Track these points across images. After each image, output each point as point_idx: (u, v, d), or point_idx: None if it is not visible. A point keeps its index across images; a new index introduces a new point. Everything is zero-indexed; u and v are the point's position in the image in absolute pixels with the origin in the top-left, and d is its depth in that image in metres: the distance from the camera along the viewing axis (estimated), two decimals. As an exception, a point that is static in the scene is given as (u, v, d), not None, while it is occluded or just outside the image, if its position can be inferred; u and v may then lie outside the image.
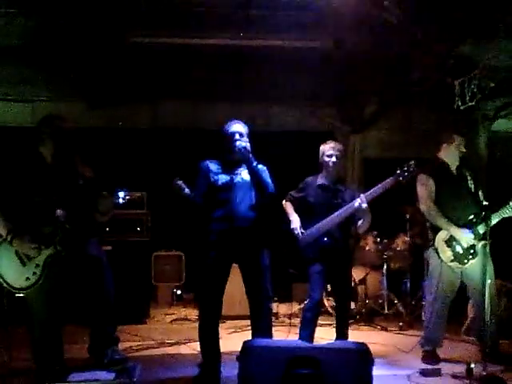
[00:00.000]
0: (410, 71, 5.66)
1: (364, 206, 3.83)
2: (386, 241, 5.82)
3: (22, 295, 3.35)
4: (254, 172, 3.64)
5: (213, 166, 3.75)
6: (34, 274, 3.33)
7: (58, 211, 3.39)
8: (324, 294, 5.26)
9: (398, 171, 3.84)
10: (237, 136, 3.66)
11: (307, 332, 3.91)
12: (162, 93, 6.38)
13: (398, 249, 5.84)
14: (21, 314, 3.40)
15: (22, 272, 3.33)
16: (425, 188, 4.17)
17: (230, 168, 3.73)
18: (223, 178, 3.68)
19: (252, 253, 3.68)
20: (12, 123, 6.12)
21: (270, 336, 3.69)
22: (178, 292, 6.34)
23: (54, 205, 3.40)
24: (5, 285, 3.33)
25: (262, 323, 3.68)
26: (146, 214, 5.61)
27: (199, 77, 6.16)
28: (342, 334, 4.06)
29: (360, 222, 4.00)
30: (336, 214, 3.93)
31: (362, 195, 3.86)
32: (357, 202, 3.85)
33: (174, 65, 5.99)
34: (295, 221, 4.00)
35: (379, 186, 3.87)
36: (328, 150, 4.07)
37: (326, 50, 5.66)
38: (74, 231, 3.43)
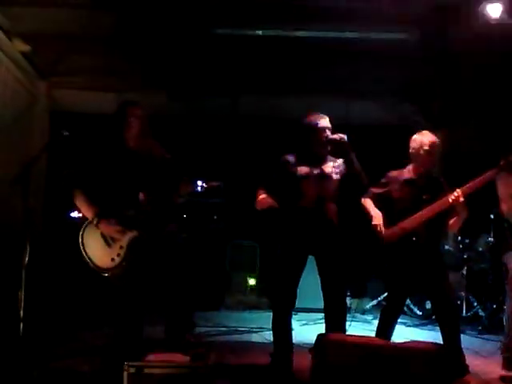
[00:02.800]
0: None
1: (461, 200, 3.57)
2: (467, 241, 5.59)
3: (107, 275, 3.47)
4: (351, 163, 3.61)
5: (292, 159, 3.74)
6: (119, 255, 3.43)
7: (141, 195, 3.49)
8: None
9: (502, 161, 3.56)
10: (327, 131, 3.64)
11: (385, 330, 3.80)
12: (243, 85, 6.43)
13: (480, 249, 5.60)
14: (105, 294, 3.54)
15: (108, 253, 3.44)
16: (506, 187, 3.88)
17: (310, 160, 3.71)
18: (303, 170, 3.67)
19: (329, 246, 3.65)
20: (96, 111, 6.36)
21: (343, 331, 3.65)
22: (252, 281, 6.41)
23: (136, 189, 3.50)
24: (91, 265, 3.46)
25: (335, 317, 3.64)
26: (223, 203, 5.69)
27: (279, 70, 6.15)
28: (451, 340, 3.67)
29: (453, 220, 3.73)
30: (426, 210, 3.67)
31: (458, 189, 3.59)
32: (452, 197, 3.59)
33: (255, 57, 6.01)
34: (377, 217, 3.76)
35: (479, 178, 3.59)
36: (427, 144, 3.75)
37: (408, 43, 5.48)
38: (155, 215, 3.52)
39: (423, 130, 3.97)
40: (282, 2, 5.05)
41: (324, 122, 3.69)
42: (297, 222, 3.62)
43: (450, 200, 3.59)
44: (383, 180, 3.93)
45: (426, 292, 4.10)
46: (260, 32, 5.59)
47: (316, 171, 3.68)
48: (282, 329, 3.70)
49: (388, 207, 3.83)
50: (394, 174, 3.92)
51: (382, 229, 3.73)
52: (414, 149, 3.82)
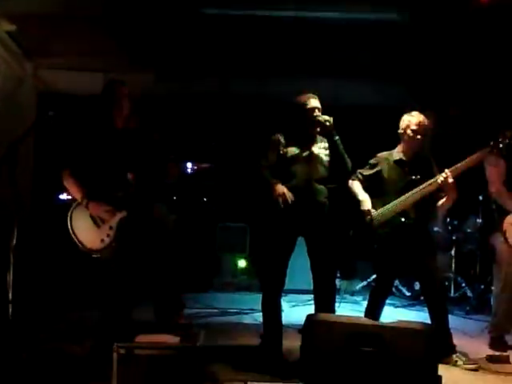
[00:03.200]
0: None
1: (450, 181, 3.56)
2: (455, 222, 5.63)
3: (97, 256, 3.45)
4: (336, 146, 3.59)
5: (282, 139, 3.71)
6: (108, 235, 3.41)
7: (129, 175, 3.47)
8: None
9: (492, 142, 3.54)
10: (316, 111, 3.61)
11: (373, 311, 3.83)
12: (232, 66, 6.37)
13: (469, 231, 5.64)
14: (94, 276, 3.53)
15: (97, 234, 3.42)
16: (495, 169, 3.92)
17: (300, 141, 3.69)
18: (293, 151, 3.66)
19: (319, 227, 3.65)
20: (84, 92, 6.29)
21: (333, 312, 3.67)
22: (241, 263, 6.42)
23: (125, 169, 3.49)
24: (81, 247, 3.44)
25: (325, 298, 3.66)
26: (212, 185, 5.68)
27: (268, 50, 6.09)
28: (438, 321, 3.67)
29: (442, 201, 3.73)
30: (415, 190, 3.66)
31: (446, 170, 3.59)
32: (441, 178, 3.58)
33: (244, 38, 5.94)
34: (366, 201, 3.76)
35: (468, 159, 3.58)
36: (414, 123, 3.75)
37: (400, 24, 5.43)
38: (143, 195, 3.50)
39: (413, 111, 3.95)
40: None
41: (314, 101, 3.66)
42: (286, 203, 3.61)
43: (439, 181, 3.58)
44: (372, 161, 3.92)
45: (415, 272, 4.13)
46: (249, 12, 5.51)
47: (305, 152, 3.66)
48: (272, 310, 3.71)
49: (377, 187, 3.82)
50: (383, 154, 3.91)
51: (371, 212, 3.72)
52: (402, 129, 3.82)
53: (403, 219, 3.70)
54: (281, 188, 3.52)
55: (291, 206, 3.56)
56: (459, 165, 3.61)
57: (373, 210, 3.74)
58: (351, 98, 6.68)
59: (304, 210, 3.60)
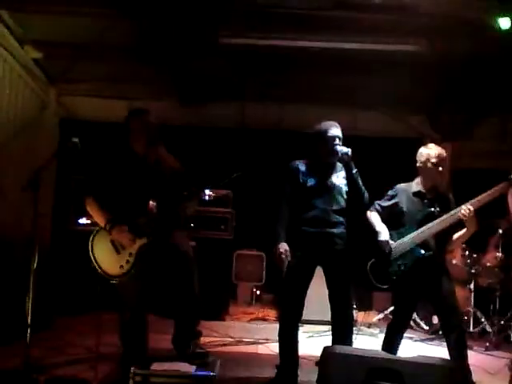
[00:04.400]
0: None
1: (471, 214, 3.50)
2: (475, 255, 5.55)
3: (115, 282, 3.47)
4: (353, 179, 3.60)
5: (302, 167, 3.71)
6: (128, 262, 3.44)
7: (151, 203, 3.50)
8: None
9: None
10: (337, 140, 3.61)
11: (391, 344, 3.76)
12: (250, 94, 6.46)
13: (488, 264, 5.55)
14: (112, 301, 3.53)
15: (117, 260, 3.45)
16: None
17: (320, 170, 3.70)
18: (313, 180, 3.66)
19: (337, 257, 3.64)
20: (108, 119, 6.39)
21: (350, 344, 3.63)
22: (258, 292, 6.39)
23: (147, 197, 3.51)
24: (100, 271, 3.47)
25: (342, 330, 3.63)
26: (230, 212, 5.69)
27: (287, 79, 6.17)
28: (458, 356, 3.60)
29: (461, 233, 3.69)
30: (435, 222, 3.62)
31: (467, 203, 3.54)
32: (462, 211, 3.52)
33: (263, 66, 6.03)
34: (384, 232, 3.72)
35: (489, 192, 3.54)
36: (435, 157, 3.72)
37: (418, 55, 5.48)
38: (164, 222, 3.53)
39: (429, 143, 3.96)
40: (290, 12, 5.05)
41: (335, 130, 3.65)
42: (305, 233, 3.60)
43: (461, 214, 3.55)
44: (391, 192, 3.90)
45: (433, 306, 4.07)
46: (269, 41, 5.60)
47: (325, 182, 3.66)
48: (289, 341, 3.68)
49: (395, 219, 3.80)
50: (402, 186, 3.89)
51: (389, 243, 3.69)
52: (421, 162, 3.79)
53: (423, 251, 3.66)
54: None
55: (311, 236, 3.56)
56: (480, 197, 3.57)
57: (391, 241, 3.71)
58: (369, 128, 6.71)
59: (322, 240, 3.60)
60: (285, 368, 3.64)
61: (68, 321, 5.01)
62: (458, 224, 3.65)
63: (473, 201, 3.57)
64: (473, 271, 5.52)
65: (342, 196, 3.69)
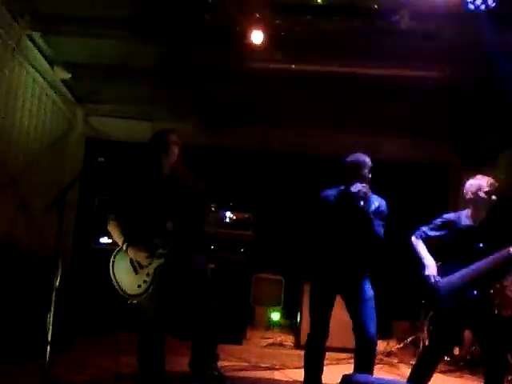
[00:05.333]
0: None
1: None
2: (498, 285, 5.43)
3: (133, 302, 3.47)
4: (363, 215, 3.54)
5: (330, 196, 3.66)
6: (145, 282, 3.44)
7: (169, 223, 3.51)
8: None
9: None
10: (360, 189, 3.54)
11: (418, 375, 3.66)
12: (272, 118, 6.49)
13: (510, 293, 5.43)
14: (131, 321, 3.53)
15: (135, 279, 3.47)
16: None
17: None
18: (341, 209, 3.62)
19: (358, 286, 3.62)
20: (132, 140, 6.48)
21: (371, 372, 3.57)
22: (276, 316, 6.33)
23: (165, 217, 3.52)
24: (120, 291, 3.49)
25: (364, 359, 3.58)
26: (251, 235, 5.68)
27: (312, 104, 6.19)
28: None
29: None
30: (485, 261, 3.45)
31: None
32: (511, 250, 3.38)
33: (286, 90, 6.07)
34: (431, 266, 3.59)
35: None
36: (489, 186, 3.61)
37: (443, 81, 5.47)
38: (182, 243, 3.53)
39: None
40: (317, 37, 5.09)
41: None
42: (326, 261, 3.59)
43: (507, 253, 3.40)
44: (439, 222, 3.75)
45: (477, 339, 3.90)
46: (293, 66, 5.63)
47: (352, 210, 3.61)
48: (312, 368, 3.69)
49: (441, 251, 3.68)
50: (451, 216, 3.75)
51: (436, 279, 3.56)
52: (472, 193, 3.66)
53: (475, 292, 3.49)
54: None
55: (332, 264, 3.55)
56: None
57: (438, 277, 3.57)
58: (392, 154, 6.69)
59: (344, 268, 3.59)
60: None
61: (87, 341, 5.00)
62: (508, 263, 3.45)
63: None
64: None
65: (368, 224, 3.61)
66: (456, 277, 3.53)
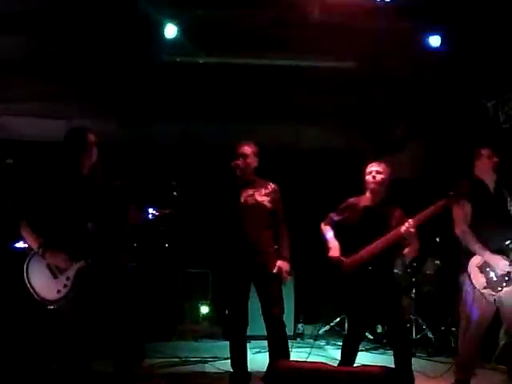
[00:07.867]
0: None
1: (412, 230, 3.59)
2: (414, 264, 5.72)
3: (53, 307, 3.35)
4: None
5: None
6: (65, 286, 3.33)
7: (89, 224, 3.42)
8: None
9: (452, 192, 3.65)
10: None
11: (348, 360, 3.78)
12: (192, 112, 6.45)
13: (428, 273, 5.73)
14: (51, 328, 3.42)
15: (54, 285, 3.34)
16: (460, 210, 3.92)
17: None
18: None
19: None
20: (46, 139, 6.24)
21: (287, 356, 3.73)
22: (205, 309, 6.33)
23: (85, 218, 3.43)
24: (36, 297, 3.34)
25: (276, 344, 3.77)
26: (174, 231, 5.63)
27: (228, 96, 6.20)
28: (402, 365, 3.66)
29: (407, 250, 3.73)
30: (382, 239, 3.67)
31: (409, 220, 3.61)
32: (403, 227, 3.60)
33: (205, 84, 6.04)
34: (335, 248, 3.81)
35: (429, 210, 3.63)
36: (370, 168, 3.86)
37: (355, 70, 5.65)
38: (103, 244, 3.45)
39: (372, 155, 4.10)
40: (233, 29, 5.11)
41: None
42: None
43: (402, 230, 3.62)
44: (342, 206, 3.96)
45: (381, 318, 4.14)
46: (211, 59, 5.63)
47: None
48: (239, 357, 3.83)
49: (345, 234, 3.85)
50: (352, 200, 3.96)
51: (341, 260, 3.75)
52: (364, 176, 3.89)
53: (370, 267, 3.69)
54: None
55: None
56: (420, 215, 3.65)
57: (343, 258, 3.76)
58: (311, 143, 6.83)
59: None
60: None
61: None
62: (403, 240, 3.69)
63: (414, 219, 3.63)
64: (413, 280, 5.67)
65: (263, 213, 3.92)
66: (358, 256, 3.73)
